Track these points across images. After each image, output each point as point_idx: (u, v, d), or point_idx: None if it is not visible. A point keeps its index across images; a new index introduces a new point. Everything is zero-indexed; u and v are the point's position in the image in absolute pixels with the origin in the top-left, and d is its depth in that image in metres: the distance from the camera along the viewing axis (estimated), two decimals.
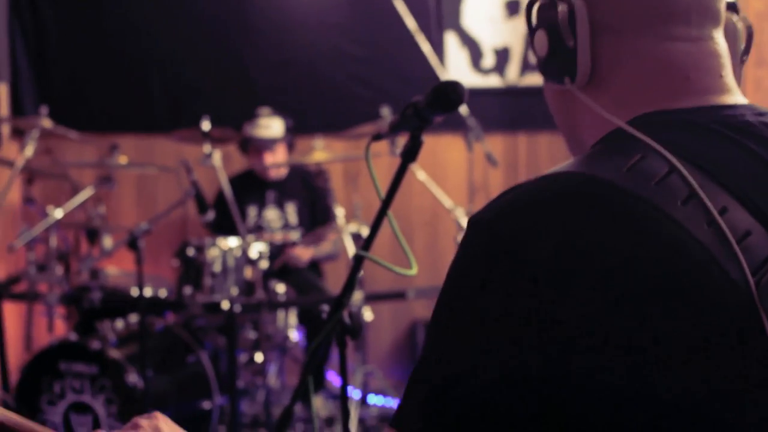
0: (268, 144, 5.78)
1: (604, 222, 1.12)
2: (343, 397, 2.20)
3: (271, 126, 5.80)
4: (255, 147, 5.83)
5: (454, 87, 1.88)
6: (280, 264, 5.69)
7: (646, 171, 1.15)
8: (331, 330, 2.17)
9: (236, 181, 5.85)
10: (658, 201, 1.12)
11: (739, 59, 1.36)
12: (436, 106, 1.90)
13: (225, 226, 5.47)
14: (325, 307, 2.22)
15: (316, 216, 6.01)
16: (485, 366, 1.12)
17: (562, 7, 1.25)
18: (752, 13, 5.41)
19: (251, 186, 5.94)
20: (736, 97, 1.27)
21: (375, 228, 2.05)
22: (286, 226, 5.96)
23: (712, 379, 1.08)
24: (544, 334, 1.10)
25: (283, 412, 2.38)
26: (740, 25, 1.36)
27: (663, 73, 1.25)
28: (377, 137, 2.12)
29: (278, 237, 5.76)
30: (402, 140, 5.07)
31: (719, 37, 1.28)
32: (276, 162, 5.83)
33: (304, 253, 5.79)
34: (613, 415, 1.09)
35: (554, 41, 1.27)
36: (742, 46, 1.37)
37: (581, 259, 1.10)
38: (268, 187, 5.99)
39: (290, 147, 5.95)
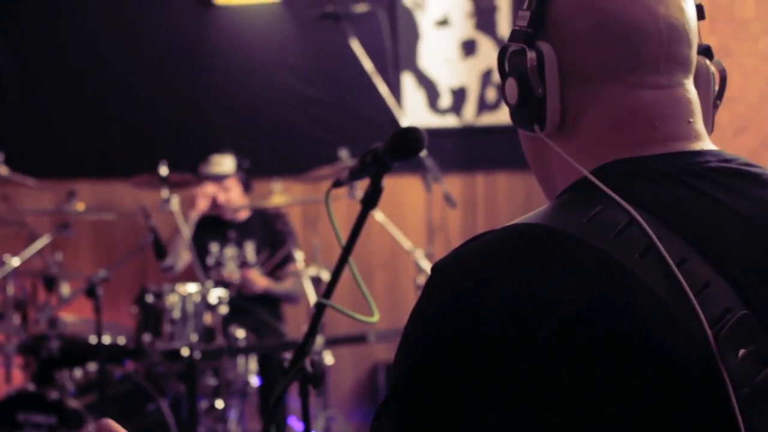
0: (218, 179, 5.77)
1: (560, 275, 1.11)
2: None
3: (222, 163, 5.82)
4: (207, 185, 5.83)
5: (413, 134, 1.88)
6: (234, 289, 5.66)
7: (605, 222, 1.14)
8: (293, 378, 2.15)
9: (204, 219, 5.86)
10: (614, 253, 1.11)
11: (712, 103, 1.36)
12: (395, 152, 1.90)
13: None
14: (287, 355, 2.21)
15: (274, 258, 6.01)
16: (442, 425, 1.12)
17: (531, 55, 1.25)
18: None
19: (215, 225, 5.96)
20: (703, 143, 1.27)
21: (336, 275, 2.04)
22: (244, 264, 5.94)
23: None
24: (495, 392, 1.09)
25: None
26: (713, 69, 1.36)
27: (629, 121, 1.25)
28: (337, 184, 2.11)
29: (236, 275, 5.73)
30: (362, 183, 5.08)
31: (689, 84, 1.28)
32: (229, 201, 5.82)
33: (258, 279, 5.76)
34: None
35: (524, 89, 1.27)
36: (716, 89, 1.37)
37: (535, 314, 1.09)
38: (230, 226, 5.99)
39: (246, 186, 5.94)
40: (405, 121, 5.76)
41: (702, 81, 1.33)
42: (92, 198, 6.40)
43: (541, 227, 1.17)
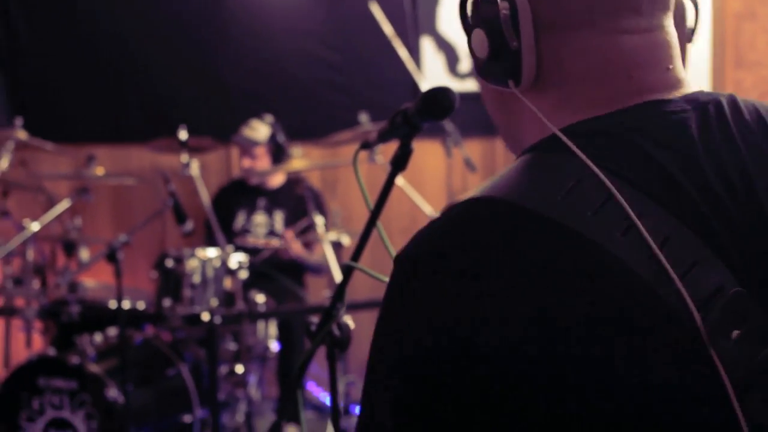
0: (246, 145, 5.76)
1: (535, 261, 1.02)
2: (334, 413, 2.17)
3: (257, 129, 5.79)
4: (238, 147, 5.84)
5: (444, 93, 1.84)
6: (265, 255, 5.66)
7: (582, 198, 1.05)
8: (320, 342, 2.13)
9: (231, 186, 5.85)
10: (594, 236, 1.01)
11: (687, 39, 1.26)
12: (426, 113, 1.87)
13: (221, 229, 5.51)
14: (313, 319, 2.19)
15: (298, 224, 5.99)
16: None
17: (503, 5, 1.15)
18: (731, 13, 5.40)
19: (244, 192, 5.98)
20: (683, 89, 1.18)
21: (364, 238, 2.02)
22: (272, 233, 5.93)
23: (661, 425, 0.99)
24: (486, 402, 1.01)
25: (271, 428, 2.34)
26: (687, 3, 1.27)
27: (605, 73, 1.15)
28: (366, 145, 2.08)
29: (261, 242, 5.72)
30: (383, 148, 5.05)
31: (669, 24, 1.18)
32: (254, 167, 5.80)
33: (294, 244, 5.75)
34: None
35: (495, 42, 1.17)
36: (691, 25, 1.28)
37: (512, 300, 1.01)
38: (260, 194, 5.98)
39: (276, 158, 5.90)
40: (424, 85, 5.72)
41: (677, 16, 1.23)
42: (110, 163, 6.40)
43: (512, 206, 1.06)
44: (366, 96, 6.54)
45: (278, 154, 5.90)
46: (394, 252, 2.05)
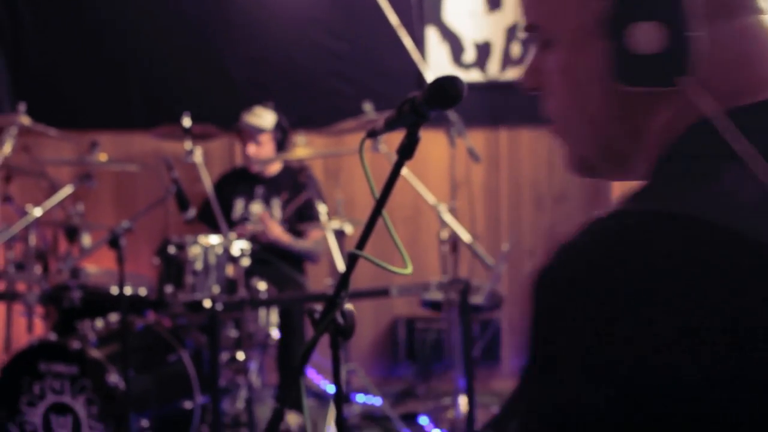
0: (252, 132, 5.76)
1: (722, 275, 0.94)
2: (338, 401, 2.16)
3: (262, 116, 5.79)
4: (243, 134, 5.84)
5: (453, 82, 1.83)
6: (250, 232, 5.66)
7: (754, 202, 0.99)
8: (324, 330, 2.13)
9: (231, 174, 5.85)
10: None
11: None
12: (434, 101, 1.85)
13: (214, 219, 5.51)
14: (317, 307, 2.18)
15: (302, 214, 5.98)
16: None
17: None
18: None
19: (242, 180, 6.00)
20: None
21: (369, 227, 2.00)
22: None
23: None
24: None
25: (273, 416, 2.33)
26: None
27: (754, 56, 1.09)
28: (372, 134, 2.07)
29: (259, 228, 5.72)
30: (386, 137, 5.04)
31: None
32: (258, 155, 5.80)
33: (274, 227, 5.75)
34: None
35: (677, 34, 1.06)
36: None
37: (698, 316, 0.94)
38: (258, 182, 5.99)
39: (280, 146, 5.90)
40: (429, 75, 5.71)
41: None
42: (113, 149, 6.40)
43: (685, 217, 0.98)
44: (370, 85, 6.53)
45: (283, 142, 5.90)
46: (398, 239, 2.05)
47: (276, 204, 5.96)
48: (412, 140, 1.96)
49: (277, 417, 2.32)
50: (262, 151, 5.83)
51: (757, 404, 0.93)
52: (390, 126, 2.02)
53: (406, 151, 1.96)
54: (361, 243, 2.06)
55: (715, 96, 1.07)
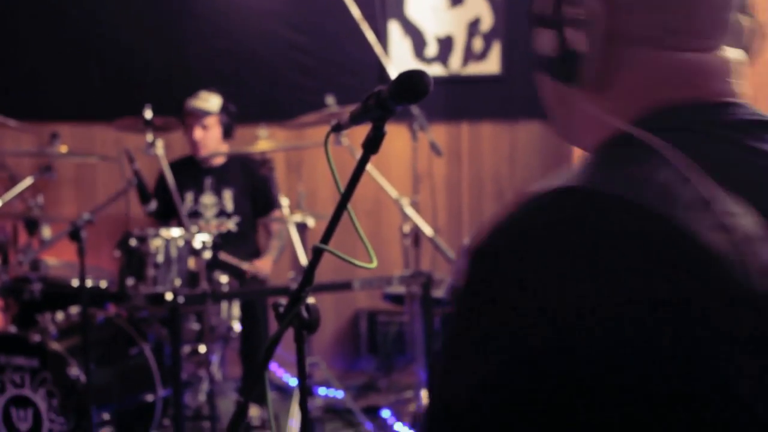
0: (198, 114, 5.71)
1: (626, 246, 1.02)
2: (303, 394, 2.17)
3: (208, 100, 5.75)
4: (188, 119, 5.75)
5: (419, 76, 1.84)
6: (250, 275, 5.68)
7: (668, 187, 1.05)
8: (289, 324, 2.13)
9: (175, 166, 5.76)
10: (680, 220, 1.02)
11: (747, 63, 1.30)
12: (400, 96, 1.86)
13: (164, 212, 5.45)
14: (282, 301, 2.19)
15: (256, 205, 5.97)
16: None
17: (579, 11, 1.20)
18: None
19: (189, 172, 5.88)
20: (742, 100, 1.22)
21: (334, 221, 2.01)
22: (222, 213, 5.90)
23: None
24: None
25: (237, 410, 2.34)
26: (747, 24, 1.30)
27: (666, 80, 1.20)
28: (337, 128, 2.08)
29: (213, 225, 5.69)
30: (349, 131, 5.04)
31: (731, 48, 1.23)
32: (205, 139, 5.77)
33: (266, 264, 5.78)
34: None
35: (565, 45, 1.22)
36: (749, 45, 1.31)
37: (608, 284, 1.01)
38: (206, 173, 5.93)
39: (227, 132, 5.87)
40: (391, 69, 5.72)
41: (740, 40, 1.27)
42: (74, 141, 6.36)
43: (601, 194, 1.06)
44: (333, 78, 6.54)
45: (229, 126, 5.86)
46: (363, 234, 2.06)
47: (227, 195, 5.93)
48: (377, 134, 1.96)
49: (242, 411, 2.32)
50: (209, 135, 5.79)
51: (655, 375, 0.99)
52: (355, 120, 2.02)
53: (372, 146, 1.97)
54: (326, 237, 2.06)
55: (629, 111, 1.20)
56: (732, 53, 1.24)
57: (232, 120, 5.87)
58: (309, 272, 2.10)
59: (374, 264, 2.03)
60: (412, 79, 1.85)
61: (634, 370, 0.99)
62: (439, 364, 1.10)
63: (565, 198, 1.07)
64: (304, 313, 2.13)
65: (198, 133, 5.78)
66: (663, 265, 1.01)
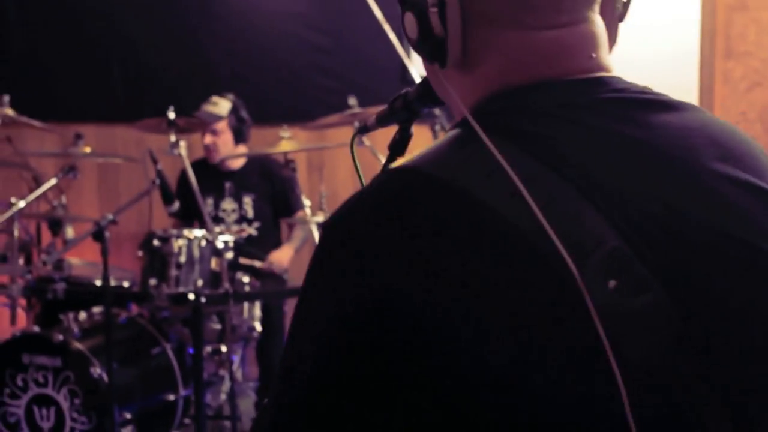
0: (207, 119, 5.71)
1: (432, 222, 1.08)
2: None
3: (218, 104, 5.74)
4: (201, 124, 5.76)
5: None
6: (266, 269, 5.67)
7: (478, 164, 1.11)
8: None
9: (196, 167, 5.75)
10: (482, 195, 1.07)
11: (619, 19, 1.32)
12: (427, 98, 1.86)
13: (186, 213, 5.45)
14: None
15: (277, 209, 5.96)
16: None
17: None
18: (722, 4, 5.42)
19: (209, 175, 5.86)
20: (605, 74, 1.24)
21: None
22: (243, 219, 5.91)
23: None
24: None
25: (260, 412, 2.34)
26: None
27: (524, 62, 1.21)
28: (363, 130, 2.08)
29: (234, 231, 5.69)
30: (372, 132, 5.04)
31: (594, 15, 1.24)
32: (216, 146, 5.79)
33: (284, 255, 5.76)
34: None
35: (424, 28, 1.24)
36: (620, 9, 1.32)
37: (420, 261, 1.06)
38: (226, 177, 5.93)
39: (238, 137, 5.87)
40: (414, 70, 5.72)
41: (607, 3, 1.28)
42: (97, 142, 6.39)
43: (420, 173, 1.13)
44: (354, 80, 6.54)
45: (240, 131, 5.86)
46: None
47: (248, 201, 5.93)
48: (404, 136, 1.96)
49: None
50: (219, 141, 5.81)
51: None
52: (382, 122, 2.03)
53: (399, 147, 1.97)
54: None
55: (492, 89, 1.22)
56: (598, 23, 1.25)
57: (243, 124, 5.87)
58: None
59: None
60: None
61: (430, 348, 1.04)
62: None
63: (395, 177, 1.15)
64: None
65: (208, 138, 5.80)
66: (459, 240, 1.06)
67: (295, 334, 1.13)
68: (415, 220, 1.08)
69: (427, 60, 1.29)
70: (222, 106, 5.73)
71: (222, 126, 5.78)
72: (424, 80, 1.88)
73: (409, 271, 1.05)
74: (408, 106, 1.92)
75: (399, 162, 1.19)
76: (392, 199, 1.12)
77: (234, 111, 5.79)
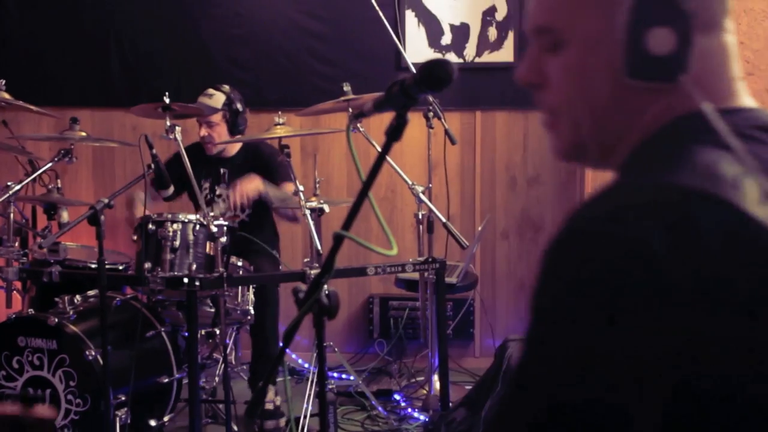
0: (205, 111, 5.73)
1: (728, 251, 1.06)
2: (321, 379, 2.22)
3: (212, 97, 5.76)
4: (196, 110, 5.75)
5: (444, 65, 1.88)
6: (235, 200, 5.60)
7: (748, 185, 1.11)
8: (308, 309, 2.17)
9: (190, 151, 5.77)
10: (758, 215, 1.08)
11: None
12: (424, 84, 1.90)
13: (176, 194, 5.47)
14: (302, 287, 2.23)
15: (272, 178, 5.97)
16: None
17: (688, 6, 1.24)
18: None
19: (203, 161, 5.87)
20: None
21: (355, 208, 2.05)
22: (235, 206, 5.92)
23: None
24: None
25: (256, 393, 2.38)
26: None
27: (722, 69, 1.27)
28: (360, 115, 2.12)
29: (226, 218, 5.70)
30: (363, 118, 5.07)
31: None
32: (211, 138, 5.81)
33: (254, 186, 5.66)
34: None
35: (682, 37, 1.24)
36: None
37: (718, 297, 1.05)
38: (220, 163, 5.95)
39: (232, 128, 5.88)
40: (408, 58, 5.76)
41: None
42: (92, 126, 6.44)
43: (694, 191, 1.10)
44: (349, 66, 6.58)
45: (234, 123, 5.87)
46: (383, 220, 2.10)
47: None
48: (400, 122, 1.99)
49: (260, 395, 2.37)
50: (214, 133, 5.82)
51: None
52: (379, 107, 2.05)
53: (395, 133, 2.00)
54: (347, 224, 2.10)
55: (693, 100, 1.23)
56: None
57: (238, 117, 5.87)
58: (330, 259, 2.14)
59: (395, 251, 2.07)
60: (437, 67, 1.89)
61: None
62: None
63: (655, 193, 1.11)
64: (325, 300, 2.17)
65: (203, 130, 5.83)
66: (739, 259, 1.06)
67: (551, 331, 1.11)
68: (701, 243, 1.06)
69: (665, 75, 1.26)
70: (215, 99, 5.75)
71: (217, 118, 5.80)
72: (423, 67, 1.91)
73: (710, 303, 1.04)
74: (405, 92, 1.95)
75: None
76: (670, 218, 1.07)
77: (228, 103, 5.81)
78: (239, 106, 5.86)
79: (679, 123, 1.25)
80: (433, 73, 1.90)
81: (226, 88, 5.86)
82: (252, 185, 5.62)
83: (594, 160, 1.39)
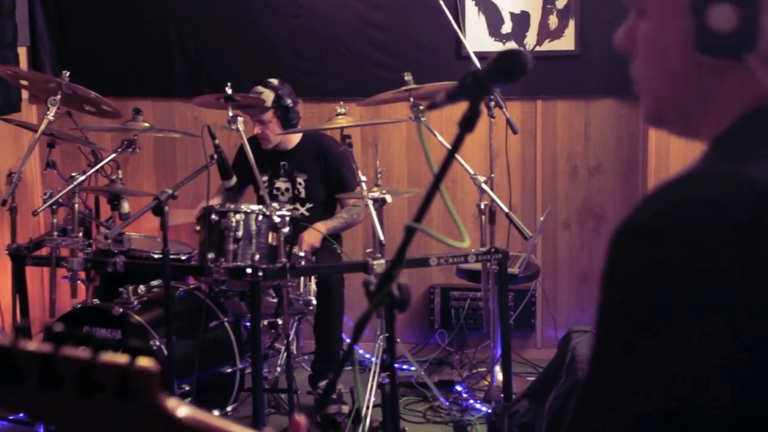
0: (254, 113, 5.75)
1: None
2: (392, 372, 2.21)
3: (261, 94, 5.70)
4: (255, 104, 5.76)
5: (517, 56, 1.86)
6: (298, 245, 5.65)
7: None
8: (379, 302, 2.16)
9: (251, 143, 5.79)
10: None
11: None
12: (498, 75, 1.88)
13: (239, 187, 5.49)
14: (372, 279, 2.21)
15: (330, 189, 5.95)
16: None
17: None
18: None
19: (263, 153, 5.89)
20: None
21: (427, 200, 2.03)
22: (295, 199, 5.93)
23: None
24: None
25: (327, 386, 2.38)
26: None
27: None
28: (432, 106, 2.09)
29: (287, 209, 5.71)
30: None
31: None
32: (265, 135, 5.83)
33: (312, 234, 5.68)
34: None
35: (747, 16, 1.22)
36: None
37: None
38: (280, 156, 5.96)
39: (284, 122, 5.86)
40: (468, 47, 5.72)
41: None
42: (154, 117, 6.48)
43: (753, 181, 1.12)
44: (409, 56, 6.55)
45: (286, 117, 5.85)
46: (455, 212, 2.08)
47: (300, 182, 5.94)
48: (473, 113, 1.97)
49: (331, 387, 2.37)
50: (267, 130, 5.83)
51: None
52: (451, 98, 2.03)
53: (468, 124, 1.98)
54: (419, 216, 2.08)
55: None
56: None
57: (289, 111, 5.84)
58: (401, 251, 2.12)
59: (467, 243, 2.05)
60: (512, 58, 1.87)
61: None
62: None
63: (728, 184, 1.12)
64: (396, 292, 2.16)
65: (257, 128, 5.84)
66: None
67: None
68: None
69: (733, 52, 1.25)
70: (265, 96, 5.73)
71: (268, 116, 5.80)
72: (497, 57, 1.89)
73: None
74: (478, 83, 1.93)
75: None
76: (739, 212, 1.09)
77: (277, 100, 5.78)
78: (289, 101, 5.83)
79: (755, 115, 1.24)
80: (507, 64, 1.88)
81: (274, 82, 5.83)
82: (315, 235, 5.68)
83: (675, 127, 1.40)
